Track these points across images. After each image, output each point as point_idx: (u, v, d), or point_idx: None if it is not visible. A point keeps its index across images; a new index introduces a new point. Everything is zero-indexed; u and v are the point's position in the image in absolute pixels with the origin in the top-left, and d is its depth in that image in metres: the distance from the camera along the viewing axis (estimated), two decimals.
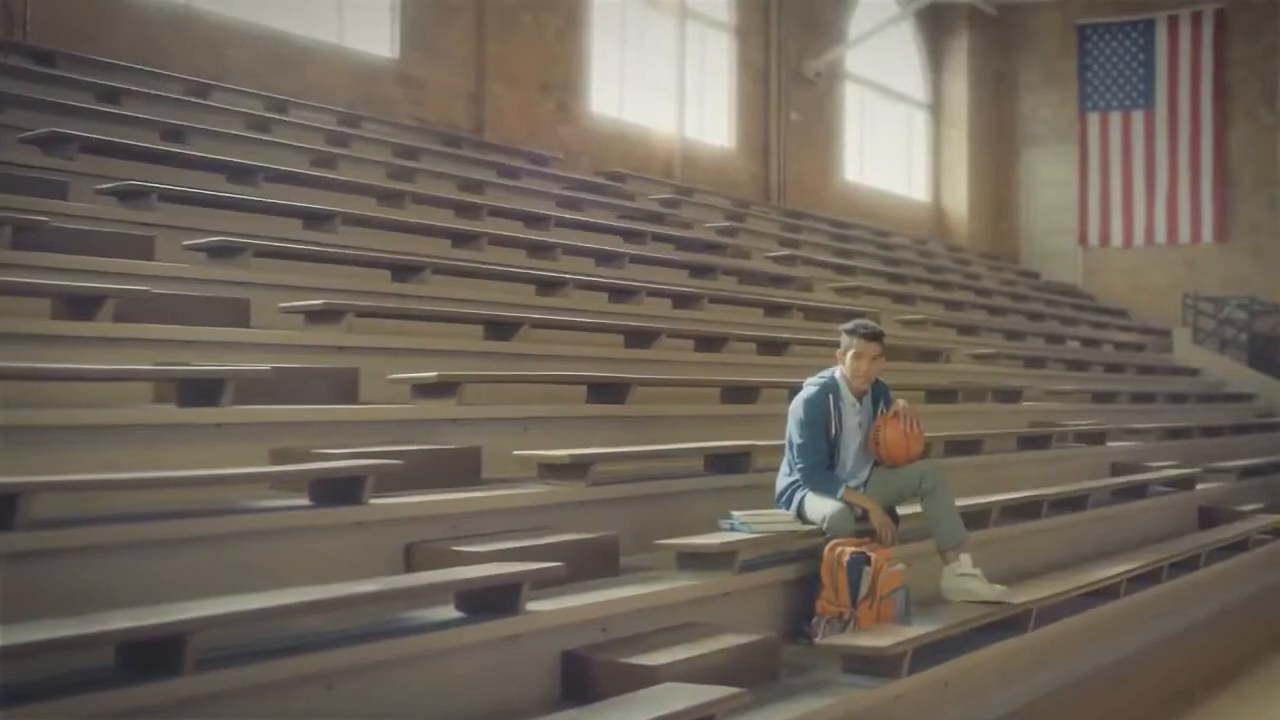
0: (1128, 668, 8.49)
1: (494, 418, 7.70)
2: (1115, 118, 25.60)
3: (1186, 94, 25.04)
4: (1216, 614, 10.40)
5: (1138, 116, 25.42)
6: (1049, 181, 26.44)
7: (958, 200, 26.21)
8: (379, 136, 13.89)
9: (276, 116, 12.89)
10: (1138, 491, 11.46)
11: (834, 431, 7.31)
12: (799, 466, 7.30)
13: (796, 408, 7.36)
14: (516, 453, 7.08)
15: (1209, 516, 12.27)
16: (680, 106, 19.88)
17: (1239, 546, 11.09)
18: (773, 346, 11.40)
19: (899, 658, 6.11)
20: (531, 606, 5.50)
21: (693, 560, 6.58)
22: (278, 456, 6.33)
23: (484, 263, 10.47)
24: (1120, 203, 25.46)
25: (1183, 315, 23.41)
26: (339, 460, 6.03)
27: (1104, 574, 8.54)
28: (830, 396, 7.35)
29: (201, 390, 6.24)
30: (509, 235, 11.67)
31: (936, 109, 26.18)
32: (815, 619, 6.79)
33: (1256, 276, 24.13)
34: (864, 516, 7.27)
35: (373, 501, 5.86)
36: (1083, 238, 25.87)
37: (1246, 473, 14.03)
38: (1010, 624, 7.26)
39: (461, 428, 7.39)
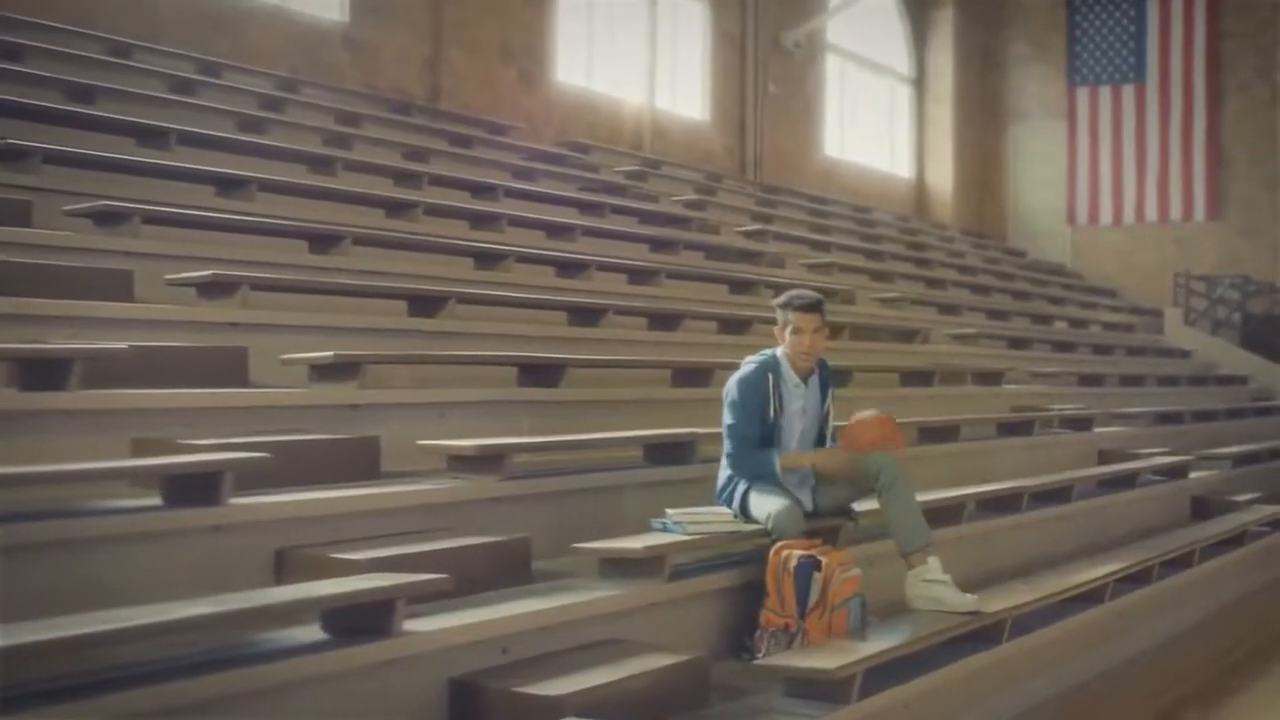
0: (1113, 681, 7.67)
1: (404, 403, 6.86)
2: (1105, 92, 24.96)
3: (1179, 67, 24.37)
4: (1211, 615, 9.58)
5: (1128, 91, 24.78)
6: (1037, 158, 25.82)
7: (942, 177, 25.47)
8: (319, 102, 13.03)
9: (205, 79, 12.02)
10: (1126, 481, 10.64)
11: (773, 414, 6.47)
12: (728, 452, 6.48)
13: (730, 388, 6.53)
14: (420, 443, 6.22)
15: (1202, 507, 11.46)
16: (651, 77, 19.04)
17: (1235, 541, 10.26)
18: (735, 325, 10.57)
19: (848, 681, 5.28)
20: (411, 626, 4.65)
21: (616, 567, 5.74)
22: (138, 449, 5.49)
23: (416, 233, 9.63)
24: (1110, 180, 24.89)
25: (1174, 295, 22.67)
26: (198, 453, 5.18)
27: (1088, 575, 7.69)
28: (770, 376, 6.50)
29: (46, 372, 5.40)
30: (450, 206, 10.84)
31: (920, 83, 25.38)
32: (758, 632, 5.95)
33: (1250, 255, 23.54)
34: (816, 512, 6.45)
35: (234, 501, 5.02)
36: (1071, 216, 25.30)
37: (1241, 460, 13.21)
38: (982, 636, 6.41)
39: (365, 415, 6.55)
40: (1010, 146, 26.13)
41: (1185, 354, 20.63)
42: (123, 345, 5.64)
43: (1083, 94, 25.06)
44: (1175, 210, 24.42)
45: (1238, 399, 18.31)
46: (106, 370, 5.65)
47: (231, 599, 4.37)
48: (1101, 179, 24.91)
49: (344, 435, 6.16)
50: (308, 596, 4.47)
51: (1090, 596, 7.59)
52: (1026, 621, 6.83)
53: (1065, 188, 25.14)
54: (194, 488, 4.95)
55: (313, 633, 4.60)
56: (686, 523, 6.01)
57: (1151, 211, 24.60)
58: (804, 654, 5.57)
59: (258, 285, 7.20)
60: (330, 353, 6.48)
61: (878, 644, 5.64)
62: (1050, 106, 25.41)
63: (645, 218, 13.62)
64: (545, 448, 6.79)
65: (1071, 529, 9.44)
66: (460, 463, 6.12)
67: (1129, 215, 24.78)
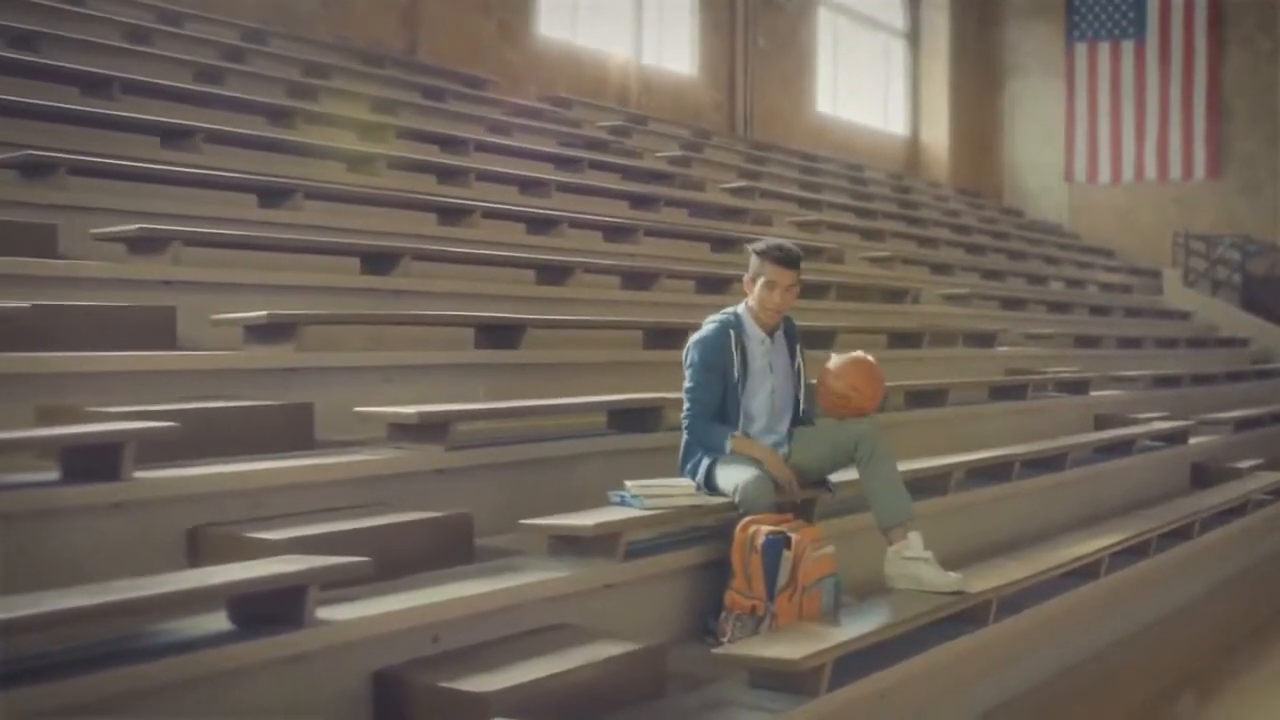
0: (1106, 662, 7.23)
1: (347, 367, 6.37)
2: (1104, 48, 24.46)
3: (1179, 22, 23.86)
4: (1212, 589, 9.15)
5: (1128, 46, 24.30)
6: (1034, 116, 25.29)
7: (938, 135, 24.89)
8: (287, 53, 12.47)
9: (165, 28, 11.48)
10: (1123, 448, 10.18)
11: (737, 375, 5.99)
12: (684, 416, 6.02)
13: (689, 349, 6.06)
14: (358, 409, 5.73)
15: (1203, 474, 11.02)
16: (638, 30, 18.46)
17: (1237, 510, 9.80)
18: (714, 284, 10.05)
19: (816, 671, 4.82)
20: (327, 614, 4.19)
21: (566, 545, 5.28)
22: (43, 417, 5.01)
23: (376, 187, 9.12)
24: (1109, 137, 24.45)
25: (1173, 255, 22.19)
26: (102, 422, 4.71)
27: (1082, 549, 7.24)
28: (732, 334, 6.02)
29: None
30: (416, 159, 10.32)
31: (915, 38, 24.78)
32: (723, 614, 5.50)
33: (1251, 215, 23.08)
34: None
35: (139, 475, 4.56)
36: (1069, 174, 24.84)
37: (1242, 424, 12.76)
38: (967, 617, 5.95)
39: (302, 380, 6.07)
40: (1007, 103, 25.58)
41: (1184, 315, 20.15)
42: (25, 305, 5.13)
43: (1081, 50, 24.56)
44: (1175, 168, 23.98)
45: (1238, 361, 17.85)
46: (11, 331, 5.17)
47: (120, 586, 3.89)
48: (1100, 137, 24.46)
49: (275, 402, 5.68)
50: (205, 584, 4.01)
51: (1084, 572, 7.15)
52: (1015, 600, 6.39)
53: (1063, 146, 24.64)
54: (93, 461, 4.49)
55: (220, 622, 4.15)
56: (645, 496, 5.55)
57: (1151, 170, 24.15)
58: (770, 640, 5.12)
59: (193, 241, 6.71)
60: (263, 312, 5.99)
61: (851, 629, 5.19)
62: (1048, 63, 24.87)
63: (627, 174, 13.10)
64: (496, 414, 6.31)
65: (1065, 499, 8.99)
66: (401, 431, 5.65)
67: (1128, 174, 24.34)
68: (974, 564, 6.68)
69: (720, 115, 19.86)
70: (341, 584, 4.29)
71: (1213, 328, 19.89)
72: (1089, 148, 24.55)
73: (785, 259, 6.03)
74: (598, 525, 5.15)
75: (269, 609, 4.09)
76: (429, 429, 5.59)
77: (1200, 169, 23.75)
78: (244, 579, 4.00)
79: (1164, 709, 6.69)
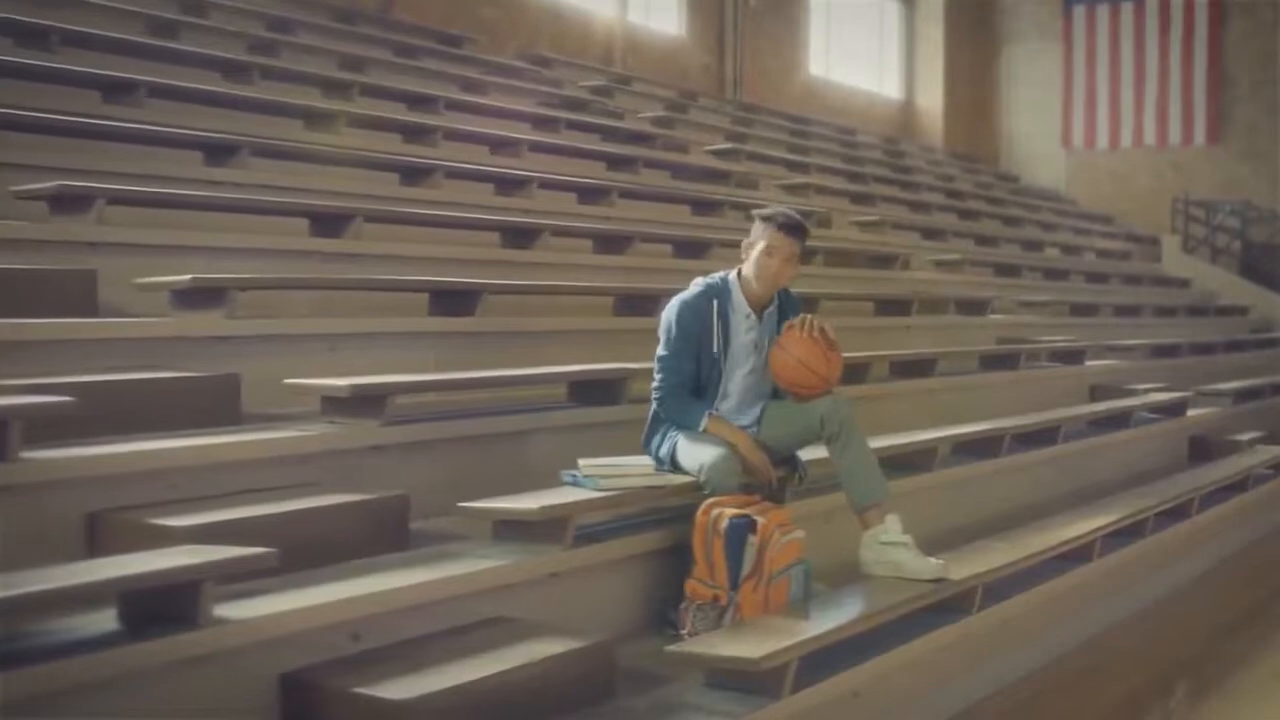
0: (1099, 649, 6.79)
1: (286, 335, 5.90)
2: (1103, 11, 23.96)
3: None
4: (1211, 569, 8.73)
5: (1127, 9, 23.80)
6: (1031, 79, 24.78)
7: (933, 99, 24.38)
8: (250, 7, 11.94)
9: None
10: (1120, 420, 9.74)
11: (716, 348, 5.55)
12: (654, 386, 5.58)
13: (668, 313, 5.61)
14: (287, 381, 5.27)
15: (1202, 448, 10.60)
16: None
17: (1237, 487, 9.37)
18: (693, 248, 9.60)
19: (778, 671, 4.38)
20: (228, 612, 3.75)
21: (511, 530, 4.84)
22: None
23: (335, 146, 8.65)
24: (1107, 102, 23.97)
25: (1172, 222, 21.73)
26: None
27: (1075, 531, 6.79)
28: (716, 303, 5.59)
29: None
30: (380, 117, 9.83)
31: (910, 0, 24.22)
32: (684, 604, 5.07)
33: (1251, 181, 22.58)
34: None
35: (27, 456, 4.11)
36: (1067, 140, 24.34)
37: (1243, 395, 12.33)
38: (949, 606, 5.51)
39: (235, 349, 5.60)
40: (1004, 67, 25.10)
41: (1183, 283, 19.73)
42: None
43: (1079, 12, 24.04)
44: (1174, 134, 23.48)
45: (1238, 330, 17.42)
46: None
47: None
48: (1098, 101, 23.97)
49: (203, 373, 5.22)
50: (89, 580, 3.56)
51: (1076, 555, 6.71)
52: (1001, 587, 5.95)
53: (1060, 110, 24.14)
54: None
55: (111, 621, 3.72)
56: (598, 476, 5.10)
57: (1150, 135, 23.65)
58: (731, 635, 4.68)
59: (119, 199, 6.24)
60: (187, 276, 5.53)
61: (820, 623, 4.75)
62: (1046, 26, 24.37)
63: (607, 134, 12.61)
64: (441, 386, 5.84)
65: (1057, 475, 8.57)
66: (334, 405, 5.20)
67: (1126, 139, 23.85)
68: (959, 546, 6.24)
69: (709, 78, 19.35)
70: (245, 577, 3.85)
71: (1212, 295, 19.45)
72: (1087, 112, 24.08)
73: (791, 226, 5.61)
74: (543, 509, 4.70)
75: (162, 607, 3.65)
76: (364, 403, 5.14)
77: (1200, 134, 23.28)
78: (131, 574, 3.56)
79: (1158, 699, 6.26)
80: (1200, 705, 6.23)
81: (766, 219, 5.62)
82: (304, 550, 4.30)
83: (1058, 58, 24.09)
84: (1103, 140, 24.04)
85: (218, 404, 5.10)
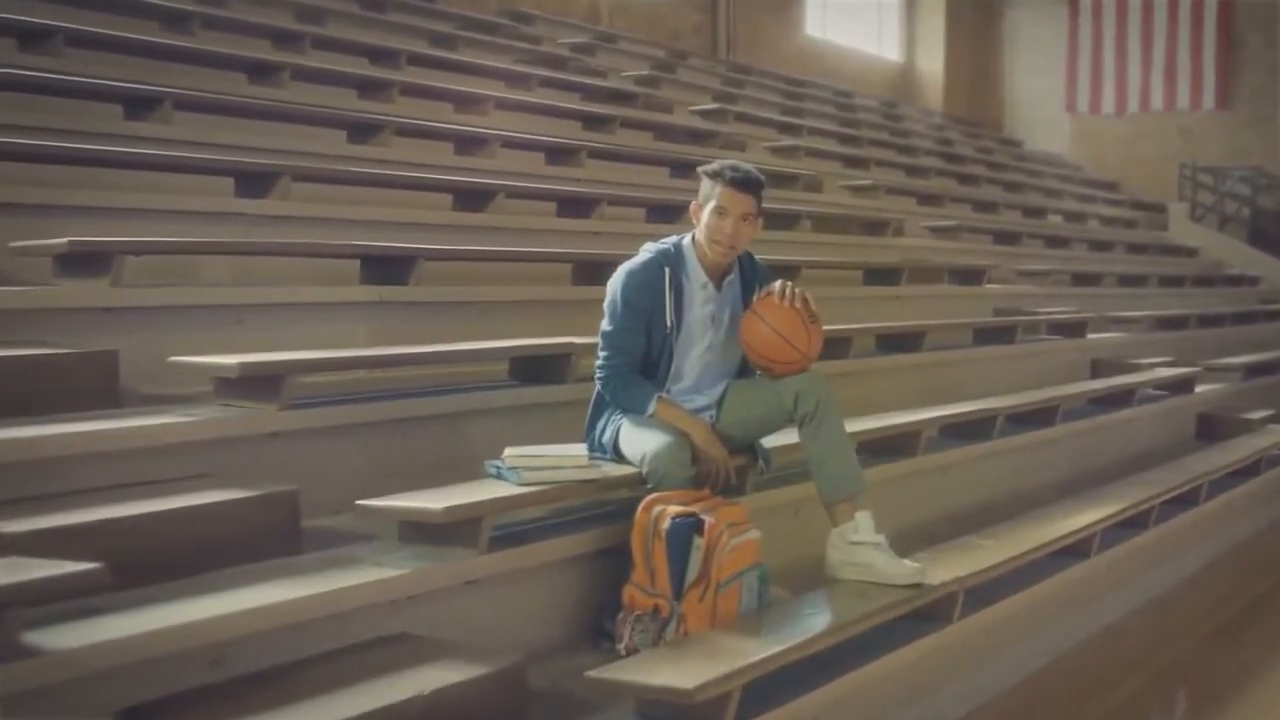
0: (1094, 652, 6.14)
1: (185, 305, 5.27)
2: None
3: None
4: (1218, 559, 8.10)
5: None
6: (1035, 42, 24.16)
7: (934, 62, 23.71)
8: None
9: None
10: (1123, 398, 9.11)
11: (669, 323, 4.91)
12: (598, 366, 4.95)
13: (614, 283, 4.97)
14: (172, 359, 4.63)
15: (1210, 427, 9.97)
16: None
17: (1249, 470, 8.72)
18: (667, 211, 8.92)
19: (718, 702, 3.76)
20: (54, 640, 3.13)
21: (419, 532, 4.21)
22: None
23: (277, 100, 8.00)
24: (1113, 66, 23.33)
25: (1179, 189, 21.06)
26: None
27: (1070, 524, 6.16)
28: (668, 271, 4.94)
29: None
30: (332, 70, 9.15)
31: None
32: (621, 614, 4.45)
33: (1260, 147, 22.01)
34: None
35: None
36: (1071, 104, 23.72)
37: (1253, 370, 11.70)
38: (926, 615, 4.89)
39: (124, 320, 4.96)
40: (1007, 29, 24.45)
41: (1191, 252, 19.05)
42: None
43: None
44: (1183, 98, 22.86)
45: (1247, 301, 16.70)
46: None
47: None
48: (1104, 65, 23.33)
49: (68, 350, 4.58)
50: None
51: (1072, 551, 6.08)
52: (987, 590, 5.32)
53: (1065, 74, 23.47)
54: None
55: None
56: (524, 468, 4.46)
57: (1157, 99, 23.02)
58: (668, 655, 4.05)
59: (11, 154, 5.60)
60: (64, 239, 4.89)
61: (771, 641, 4.11)
62: None
63: (586, 93, 11.95)
64: (356, 364, 5.20)
65: (1054, 459, 7.95)
66: (228, 386, 4.57)
67: (1133, 104, 23.24)
68: (941, 542, 5.62)
69: (701, 37, 18.66)
70: (66, 596, 3.22)
71: (1220, 265, 18.78)
72: (1093, 76, 23.45)
73: (741, 181, 4.91)
74: (448, 509, 4.05)
75: None
76: (259, 383, 4.51)
77: (1210, 99, 22.65)
78: None
79: (1157, 709, 5.66)
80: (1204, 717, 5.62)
81: (714, 174, 4.94)
82: (169, 558, 3.70)
83: (1063, 19, 23.50)
84: (1109, 105, 23.44)
85: (88, 386, 4.45)
